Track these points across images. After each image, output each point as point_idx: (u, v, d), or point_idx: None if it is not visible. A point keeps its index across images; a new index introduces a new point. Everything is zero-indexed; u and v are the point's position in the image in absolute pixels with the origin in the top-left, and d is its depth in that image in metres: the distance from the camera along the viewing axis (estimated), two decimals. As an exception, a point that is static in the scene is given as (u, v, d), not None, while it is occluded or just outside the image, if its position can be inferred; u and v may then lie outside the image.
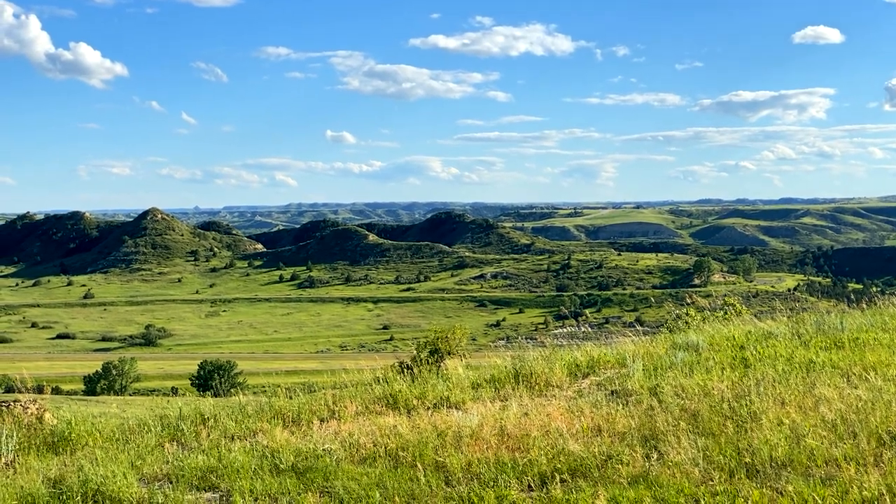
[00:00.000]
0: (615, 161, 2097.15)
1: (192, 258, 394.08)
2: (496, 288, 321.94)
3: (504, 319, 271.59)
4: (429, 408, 12.47)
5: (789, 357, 14.22)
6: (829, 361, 13.67)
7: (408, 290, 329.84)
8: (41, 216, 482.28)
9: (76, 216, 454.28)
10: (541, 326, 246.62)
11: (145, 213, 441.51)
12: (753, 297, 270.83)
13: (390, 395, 13.04)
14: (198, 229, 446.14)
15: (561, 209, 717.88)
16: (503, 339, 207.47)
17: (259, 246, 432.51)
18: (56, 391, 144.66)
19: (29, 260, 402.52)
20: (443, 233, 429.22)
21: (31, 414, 12.33)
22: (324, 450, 10.18)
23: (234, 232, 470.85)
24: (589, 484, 8.70)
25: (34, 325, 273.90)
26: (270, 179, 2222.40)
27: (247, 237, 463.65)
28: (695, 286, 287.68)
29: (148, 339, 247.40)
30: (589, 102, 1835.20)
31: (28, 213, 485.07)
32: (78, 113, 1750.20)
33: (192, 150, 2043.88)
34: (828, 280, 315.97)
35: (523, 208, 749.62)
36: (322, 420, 11.99)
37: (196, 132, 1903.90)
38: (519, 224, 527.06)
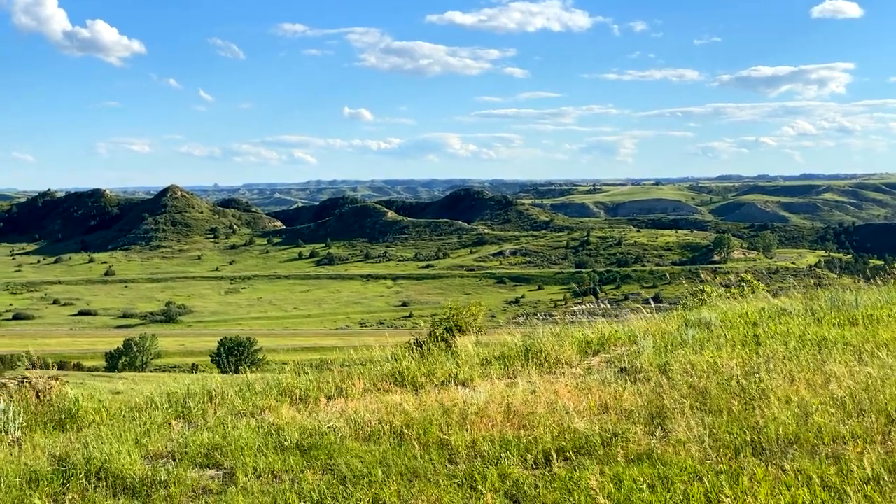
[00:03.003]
0: (634, 137, 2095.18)
1: (212, 235, 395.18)
2: (515, 265, 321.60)
3: (523, 296, 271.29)
4: (437, 385, 12.44)
5: (801, 334, 14.12)
6: (841, 338, 13.55)
7: (427, 266, 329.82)
8: (62, 194, 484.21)
9: (97, 193, 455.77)
10: (560, 303, 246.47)
11: (165, 190, 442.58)
12: (773, 273, 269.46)
13: (398, 372, 13.02)
14: (217, 206, 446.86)
15: (580, 185, 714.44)
16: (522, 316, 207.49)
17: (278, 223, 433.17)
18: (78, 367, 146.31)
19: (50, 237, 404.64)
20: (462, 210, 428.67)
21: (40, 391, 12.37)
22: (329, 427, 10.15)
23: (253, 209, 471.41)
24: (593, 462, 8.65)
25: (56, 302, 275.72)
26: (289, 157, 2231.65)
27: (266, 214, 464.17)
28: (715, 263, 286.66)
29: (168, 316, 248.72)
30: (607, 78, 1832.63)
31: (49, 190, 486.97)
32: (96, 90, 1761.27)
33: (210, 128, 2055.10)
34: (849, 256, 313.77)
35: (542, 185, 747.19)
36: (329, 398, 11.95)
37: (214, 109, 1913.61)
38: (538, 201, 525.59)
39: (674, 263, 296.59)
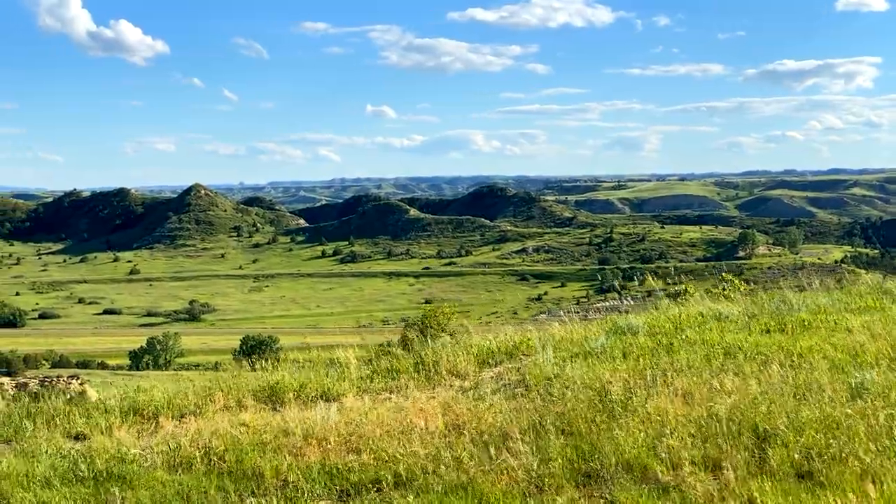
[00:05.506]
0: (658, 133, 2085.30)
1: (236, 234, 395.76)
2: (538, 262, 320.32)
3: (546, 293, 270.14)
4: (304, 401, 11.75)
5: (718, 341, 13.35)
6: (755, 347, 12.76)
7: (449, 264, 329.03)
8: (88, 193, 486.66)
9: (122, 193, 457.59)
10: (583, 300, 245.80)
11: (189, 189, 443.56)
12: (799, 269, 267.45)
13: (268, 386, 12.34)
14: (241, 205, 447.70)
15: (605, 182, 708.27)
16: (545, 313, 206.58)
17: (301, 221, 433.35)
18: (102, 366, 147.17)
19: (76, 237, 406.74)
20: (485, 206, 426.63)
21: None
22: (138, 453, 9.52)
23: (276, 207, 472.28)
24: (405, 493, 7.98)
25: (81, 301, 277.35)
26: (313, 154, 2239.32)
27: (290, 212, 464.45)
28: (739, 258, 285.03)
29: (192, 315, 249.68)
30: (630, 74, 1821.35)
31: (75, 190, 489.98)
32: (121, 90, 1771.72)
33: (234, 126, 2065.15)
34: (876, 251, 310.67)
35: (567, 181, 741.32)
36: (182, 416, 11.28)
37: (238, 108, 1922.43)
38: (562, 197, 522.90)
39: (698, 260, 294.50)
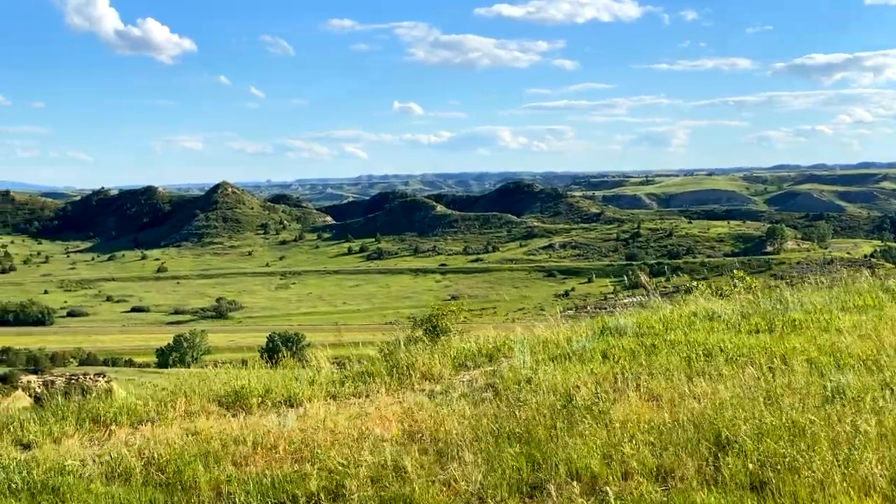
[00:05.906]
0: (686, 128, 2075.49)
1: (262, 231, 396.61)
2: (565, 258, 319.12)
3: (573, 289, 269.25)
4: (269, 407, 11.50)
5: (703, 342, 12.99)
6: (737, 349, 12.42)
7: (476, 260, 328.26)
8: (115, 192, 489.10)
9: (149, 191, 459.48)
10: (610, 296, 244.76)
11: (216, 186, 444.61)
12: (828, 263, 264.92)
13: (233, 391, 12.00)
14: (267, 202, 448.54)
15: (632, 177, 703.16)
16: (572, 309, 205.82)
17: (328, 218, 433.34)
18: (129, 364, 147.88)
19: (104, 235, 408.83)
20: (512, 203, 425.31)
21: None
22: (79, 464, 9.26)
23: (303, 205, 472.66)
24: (339, 506, 7.76)
25: (109, 298, 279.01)
26: (340, 152, 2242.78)
27: (317, 210, 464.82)
28: (768, 254, 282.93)
29: (219, 312, 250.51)
30: (658, 69, 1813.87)
31: (103, 188, 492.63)
32: (149, 89, 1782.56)
33: (261, 124, 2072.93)
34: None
35: (594, 177, 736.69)
36: (141, 422, 10.98)
37: (265, 106, 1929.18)
38: (589, 193, 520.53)
39: (726, 255, 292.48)
